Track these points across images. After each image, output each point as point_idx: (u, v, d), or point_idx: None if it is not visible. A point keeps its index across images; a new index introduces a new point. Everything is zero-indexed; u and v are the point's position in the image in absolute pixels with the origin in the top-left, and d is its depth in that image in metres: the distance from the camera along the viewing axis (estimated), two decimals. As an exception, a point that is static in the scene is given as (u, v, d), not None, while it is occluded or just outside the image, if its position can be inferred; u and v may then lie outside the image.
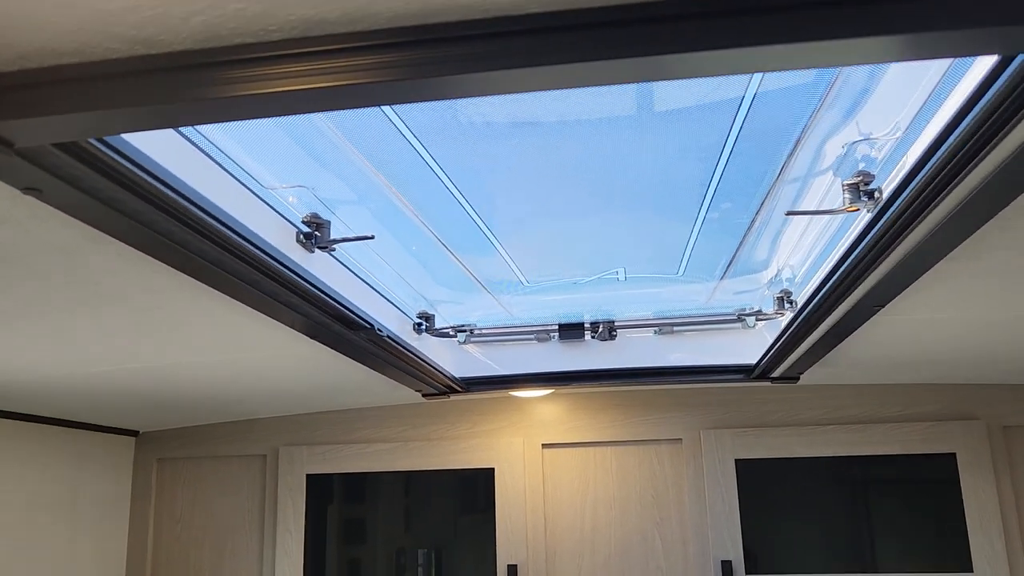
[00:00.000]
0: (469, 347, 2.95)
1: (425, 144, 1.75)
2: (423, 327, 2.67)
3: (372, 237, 1.78)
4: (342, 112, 1.52)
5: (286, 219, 1.73)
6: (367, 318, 1.82)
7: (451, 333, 2.93)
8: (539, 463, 3.31)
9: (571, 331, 2.88)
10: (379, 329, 1.85)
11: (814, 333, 1.99)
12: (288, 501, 3.36)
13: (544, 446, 3.33)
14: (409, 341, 2.56)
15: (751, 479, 3.17)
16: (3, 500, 2.78)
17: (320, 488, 3.39)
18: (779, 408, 3.20)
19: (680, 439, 3.26)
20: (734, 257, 2.43)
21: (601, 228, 2.41)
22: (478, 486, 3.34)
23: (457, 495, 3.41)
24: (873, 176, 1.50)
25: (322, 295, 1.67)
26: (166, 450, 3.52)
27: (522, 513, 3.25)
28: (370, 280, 2.34)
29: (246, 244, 1.43)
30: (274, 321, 1.84)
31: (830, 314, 1.81)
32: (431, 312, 2.71)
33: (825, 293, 1.70)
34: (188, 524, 3.46)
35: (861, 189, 1.47)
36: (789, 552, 3.11)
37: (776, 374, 2.71)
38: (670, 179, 2.05)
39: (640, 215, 2.30)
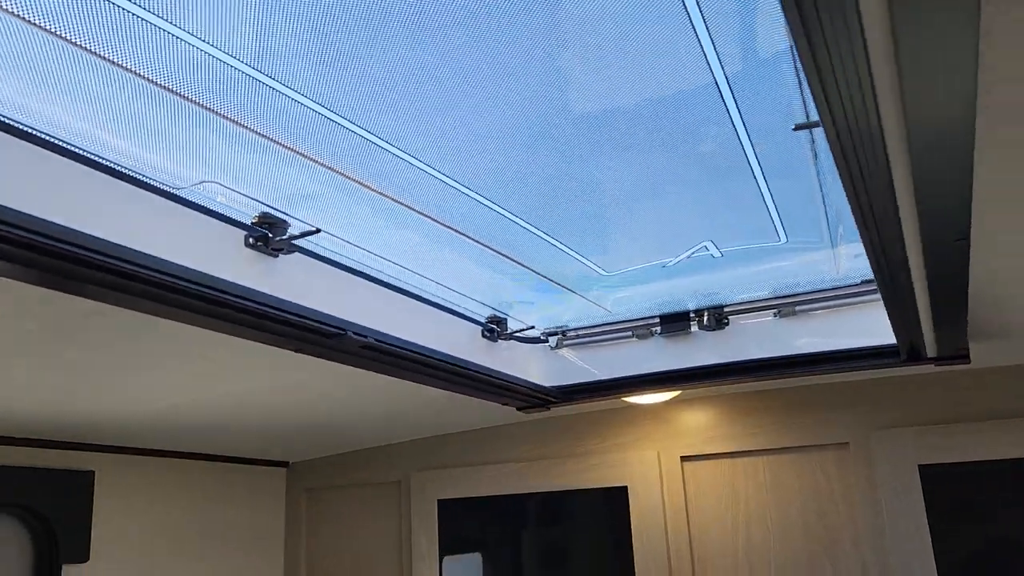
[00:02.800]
0: (564, 351, 2.63)
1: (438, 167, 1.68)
2: (495, 333, 2.41)
3: (319, 231, 1.57)
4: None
5: (229, 220, 1.57)
6: (335, 324, 1.61)
7: (542, 337, 2.63)
8: (679, 478, 2.88)
9: (674, 323, 2.46)
10: (354, 333, 1.63)
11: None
12: (420, 528, 3.23)
13: (684, 459, 2.89)
14: (477, 350, 2.32)
15: (942, 489, 2.51)
16: (168, 533, 2.92)
17: (452, 513, 3.22)
18: (975, 398, 2.52)
19: (847, 443, 2.68)
20: (827, 208, 1.92)
21: (659, 203, 2.04)
22: (613, 506, 2.98)
23: (591, 515, 3.07)
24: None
25: (264, 307, 1.49)
26: (313, 480, 3.54)
27: (662, 536, 2.83)
28: (419, 293, 2.17)
29: (159, 276, 1.29)
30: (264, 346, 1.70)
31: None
32: (502, 316, 2.44)
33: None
34: (336, 552, 3.44)
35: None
36: (1002, 582, 2.41)
37: (932, 353, 2.10)
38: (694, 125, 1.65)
39: (689, 176, 1.90)
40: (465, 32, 1.36)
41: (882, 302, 1.72)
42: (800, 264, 2.27)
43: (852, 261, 2.19)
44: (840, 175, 1.06)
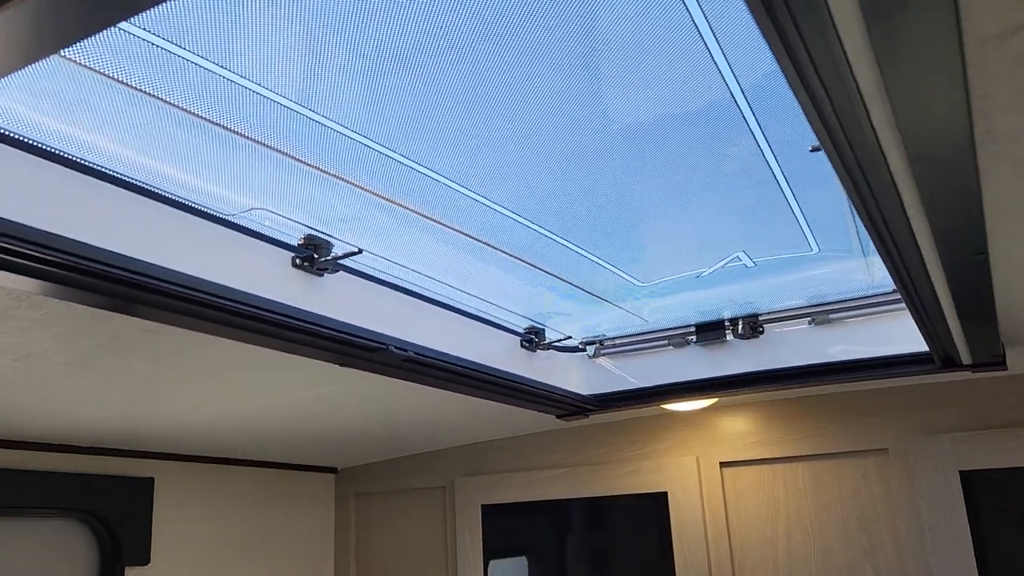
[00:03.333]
0: (602, 360, 2.69)
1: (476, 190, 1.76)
2: (534, 343, 2.47)
3: (360, 251, 1.66)
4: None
5: (276, 243, 1.67)
6: (377, 338, 1.70)
7: (579, 347, 2.69)
8: (718, 484, 2.91)
9: (710, 331, 2.50)
10: (395, 347, 1.72)
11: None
12: (465, 532, 3.31)
13: (723, 465, 2.92)
14: (516, 360, 2.39)
15: (984, 495, 2.51)
16: (223, 537, 3.04)
17: (496, 517, 3.29)
18: (1015, 403, 2.51)
19: (886, 449, 2.68)
20: (856, 217, 1.95)
21: (691, 215, 2.09)
22: (653, 511, 3.02)
23: (632, 521, 3.11)
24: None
25: (309, 324, 1.58)
26: (362, 485, 3.65)
27: (702, 542, 2.87)
28: (458, 306, 2.25)
29: (218, 300, 1.39)
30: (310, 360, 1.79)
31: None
32: (540, 326, 2.51)
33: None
34: (384, 556, 3.54)
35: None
36: (1046, 589, 2.40)
37: (967, 360, 2.11)
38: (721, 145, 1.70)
39: (719, 189, 1.94)
40: (495, 61, 1.44)
41: (909, 312, 1.75)
42: (833, 273, 2.30)
43: (884, 270, 2.21)
44: (851, 199, 1.11)
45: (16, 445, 2.39)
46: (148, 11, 1.09)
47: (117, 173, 1.35)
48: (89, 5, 0.65)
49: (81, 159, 1.30)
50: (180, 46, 1.17)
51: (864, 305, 2.30)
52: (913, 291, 1.44)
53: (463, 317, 2.25)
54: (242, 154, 1.49)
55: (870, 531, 2.66)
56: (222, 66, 1.23)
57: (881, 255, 1.31)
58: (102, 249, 1.22)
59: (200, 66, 1.21)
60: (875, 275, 2.26)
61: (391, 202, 1.73)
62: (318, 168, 1.55)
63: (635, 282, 2.42)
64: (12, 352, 1.60)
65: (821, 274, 2.33)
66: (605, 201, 2.04)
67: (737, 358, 2.48)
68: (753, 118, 1.56)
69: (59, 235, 1.18)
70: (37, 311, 1.41)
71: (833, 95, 0.85)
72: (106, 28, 0.71)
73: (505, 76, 1.49)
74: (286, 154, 1.49)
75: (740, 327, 2.43)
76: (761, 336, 2.43)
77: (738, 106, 1.53)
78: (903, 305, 2.18)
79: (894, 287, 2.16)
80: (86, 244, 1.21)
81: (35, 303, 1.37)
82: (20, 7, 0.63)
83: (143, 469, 2.80)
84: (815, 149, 1.43)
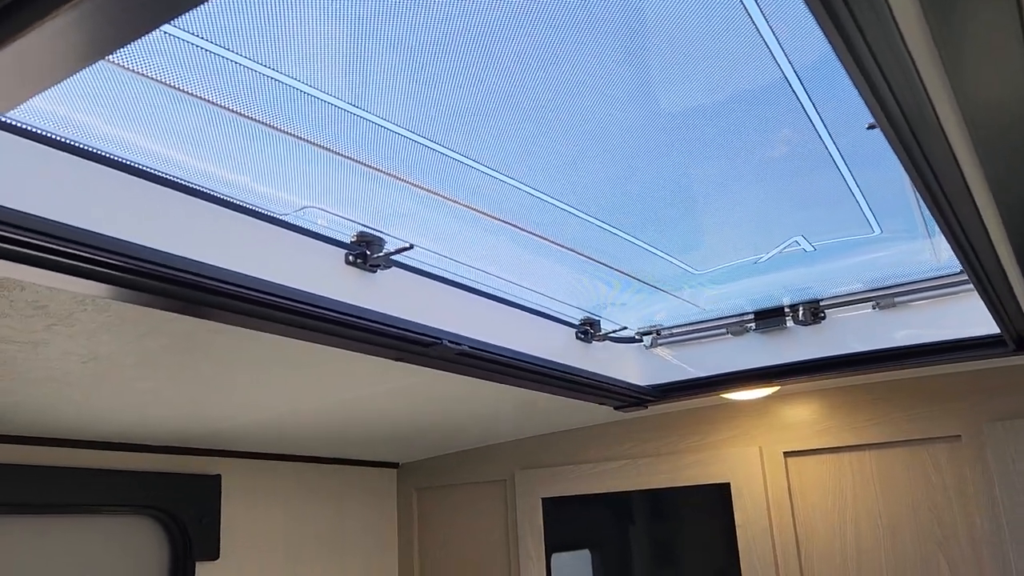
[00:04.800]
0: (659, 350, 2.66)
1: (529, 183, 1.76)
2: (590, 335, 2.46)
3: (412, 247, 1.67)
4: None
5: (329, 241, 1.69)
6: (431, 333, 1.71)
7: (636, 337, 2.67)
8: (782, 475, 2.85)
9: (769, 318, 2.45)
10: (449, 342, 1.72)
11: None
12: (527, 525, 3.31)
13: (787, 454, 2.87)
14: (572, 352, 2.38)
15: (1064, 482, 2.41)
16: (289, 532, 3.11)
17: (557, 510, 3.29)
18: (1097, 385, 2.40)
19: (958, 436, 2.59)
20: (918, 195, 1.88)
21: (747, 200, 2.05)
22: (716, 502, 2.98)
23: (694, 512, 3.08)
24: None
25: (364, 321, 1.60)
26: (423, 479, 3.68)
27: (767, 532, 2.82)
28: (512, 299, 2.25)
29: (273, 299, 1.42)
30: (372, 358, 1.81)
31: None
32: (595, 318, 2.49)
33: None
34: (447, 549, 3.57)
35: None
36: None
37: (1039, 341, 2.02)
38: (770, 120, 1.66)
39: (775, 172, 1.90)
40: (543, 51, 1.43)
41: (977, 292, 1.68)
42: (896, 255, 2.23)
43: (951, 250, 2.13)
44: (912, 179, 1.07)
45: (90, 445, 2.48)
46: (195, 14, 1.11)
47: (174, 177, 1.39)
48: (133, 8, 0.66)
49: (139, 164, 1.33)
50: (229, 49, 1.19)
51: (931, 287, 2.22)
52: (981, 271, 1.39)
53: (517, 310, 2.25)
54: (293, 153, 1.51)
55: (943, 521, 2.58)
56: (270, 67, 1.24)
57: (945, 235, 1.27)
58: (164, 252, 1.26)
59: (248, 68, 1.23)
60: (941, 255, 2.19)
61: (441, 197, 1.73)
62: (369, 165, 1.56)
63: (691, 270, 2.38)
64: (80, 354, 1.66)
65: (884, 256, 2.26)
66: (658, 189, 2.01)
67: (798, 345, 2.43)
68: (807, 98, 1.52)
69: (123, 240, 1.21)
70: (102, 314, 1.45)
71: (887, 72, 0.82)
72: (151, 31, 0.73)
73: (554, 66, 1.48)
74: (336, 152, 1.51)
75: (801, 313, 2.37)
76: (823, 322, 2.37)
77: (791, 86, 1.49)
78: (969, 286, 2.10)
79: (961, 268, 2.09)
80: (149, 248, 1.24)
81: (100, 306, 1.41)
82: (68, 14, 0.65)
83: (210, 467, 2.87)
84: (871, 127, 1.39)
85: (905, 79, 0.80)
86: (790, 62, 1.42)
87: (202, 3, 0.69)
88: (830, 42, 0.76)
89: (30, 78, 0.74)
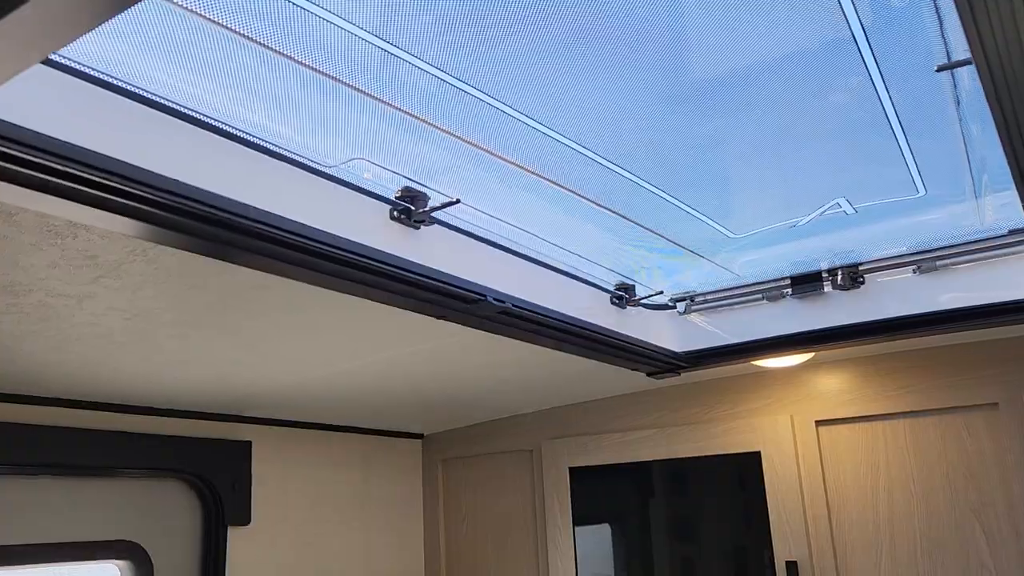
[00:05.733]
0: (693, 317, 2.63)
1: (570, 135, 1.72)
2: (624, 300, 2.44)
3: (458, 201, 1.65)
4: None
5: (374, 196, 1.66)
6: (476, 290, 1.69)
7: (670, 303, 2.64)
8: (814, 443, 2.83)
9: (806, 283, 2.42)
10: (493, 299, 1.71)
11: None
12: (554, 495, 3.30)
13: (818, 423, 2.84)
14: (607, 316, 2.36)
15: (1105, 449, 2.38)
16: (317, 500, 3.12)
17: (585, 480, 3.28)
18: None
19: (996, 403, 2.56)
20: (970, 156, 1.85)
21: (788, 160, 2.02)
22: (746, 472, 2.96)
23: (724, 481, 3.06)
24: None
25: (411, 274, 1.58)
26: (448, 450, 3.68)
27: (798, 502, 2.80)
28: (549, 261, 2.23)
29: (321, 247, 1.41)
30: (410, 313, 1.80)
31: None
32: (630, 282, 2.47)
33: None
34: (472, 520, 3.57)
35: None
36: None
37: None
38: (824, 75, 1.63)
39: (820, 131, 1.86)
40: (591, 2, 1.40)
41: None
42: (941, 217, 2.19)
43: (999, 211, 2.10)
44: (994, 118, 1.04)
45: (124, 409, 2.48)
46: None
47: (222, 123, 1.37)
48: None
49: (192, 110, 1.31)
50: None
51: (975, 250, 2.19)
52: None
53: (553, 272, 2.23)
54: (340, 103, 1.48)
55: (979, 488, 2.55)
56: (319, 4, 1.22)
57: (1016, 182, 1.23)
58: (211, 192, 1.24)
59: (298, 5, 1.20)
60: (987, 217, 2.15)
61: (484, 150, 1.71)
62: (415, 116, 1.54)
63: (728, 233, 2.35)
64: (123, 309, 1.65)
65: (927, 220, 2.22)
66: (698, 147, 1.98)
67: (836, 310, 2.40)
68: (868, 48, 1.48)
69: (171, 178, 1.19)
70: (150, 265, 1.44)
71: (992, 12, 0.79)
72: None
73: (602, 17, 1.45)
74: (381, 100, 1.48)
75: (839, 277, 2.34)
76: (862, 287, 2.34)
77: (853, 35, 1.45)
78: (1019, 248, 2.07)
79: (1009, 230, 2.06)
80: (196, 187, 1.22)
81: (149, 256, 1.40)
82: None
83: (242, 433, 2.87)
84: (947, 67, 1.35)
85: (1011, 12, 0.77)
86: (856, 10, 1.38)
87: None
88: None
89: (85, 9, 0.72)
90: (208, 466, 2.68)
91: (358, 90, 1.44)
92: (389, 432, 3.59)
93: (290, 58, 1.32)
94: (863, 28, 1.45)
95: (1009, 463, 2.51)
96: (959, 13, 0.86)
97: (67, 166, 1.04)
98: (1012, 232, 2.08)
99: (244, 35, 1.24)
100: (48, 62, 1.11)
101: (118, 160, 1.10)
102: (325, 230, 1.43)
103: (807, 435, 2.84)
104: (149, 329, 1.78)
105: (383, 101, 1.48)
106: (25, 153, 0.99)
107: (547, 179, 1.91)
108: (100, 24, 0.77)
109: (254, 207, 1.31)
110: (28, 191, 1.06)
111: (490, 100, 1.57)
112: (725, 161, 2.07)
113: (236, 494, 2.77)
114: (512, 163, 1.80)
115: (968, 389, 2.60)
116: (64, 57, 1.14)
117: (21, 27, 0.70)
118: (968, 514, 2.56)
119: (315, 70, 1.36)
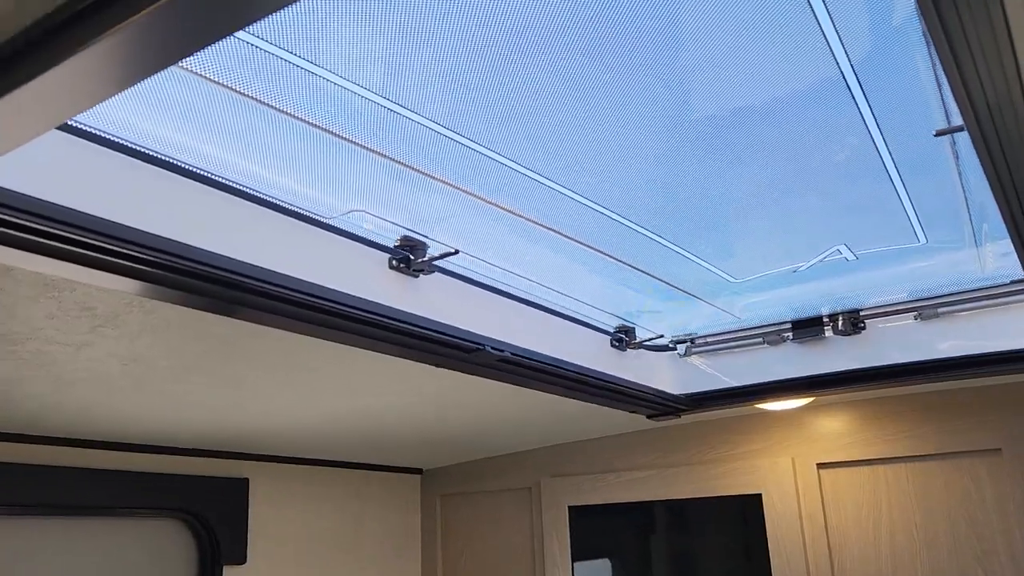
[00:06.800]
0: (694, 359, 2.62)
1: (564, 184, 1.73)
2: (624, 342, 2.43)
3: (457, 252, 1.65)
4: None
5: (373, 245, 1.67)
6: (474, 339, 1.68)
7: (670, 345, 2.64)
8: (816, 486, 2.81)
9: (807, 328, 2.41)
10: (491, 348, 1.70)
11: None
12: (553, 534, 3.28)
13: (820, 466, 2.82)
14: (607, 360, 2.36)
15: (1109, 499, 2.35)
16: (315, 537, 3.09)
17: (584, 519, 3.25)
18: None
19: (999, 449, 2.54)
20: (970, 205, 1.85)
21: (788, 207, 2.02)
22: (747, 514, 2.94)
23: (725, 523, 3.03)
24: None
25: (407, 325, 1.58)
26: (447, 486, 3.66)
27: (799, 545, 2.77)
28: (549, 306, 2.23)
29: (317, 301, 1.41)
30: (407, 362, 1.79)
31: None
32: (630, 325, 2.46)
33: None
34: (470, 557, 3.54)
35: None
36: None
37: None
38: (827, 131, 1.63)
39: (820, 178, 1.87)
40: (586, 53, 1.40)
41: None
42: (941, 265, 2.19)
43: (1000, 260, 2.09)
44: (988, 179, 1.04)
45: (118, 447, 2.47)
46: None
47: (222, 178, 1.37)
48: (208, 15, 0.64)
49: (188, 165, 1.32)
50: (279, 46, 1.18)
51: (975, 298, 2.18)
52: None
53: (553, 316, 2.22)
54: (339, 156, 1.49)
55: (981, 536, 2.53)
56: (321, 65, 1.23)
57: (1013, 239, 1.23)
58: (211, 252, 1.24)
59: (296, 65, 1.21)
60: (988, 266, 2.15)
61: (482, 200, 1.71)
62: (413, 168, 1.54)
63: (728, 278, 2.35)
64: (121, 356, 1.65)
65: (928, 266, 2.22)
66: (698, 195, 1.98)
67: (837, 355, 2.39)
68: (864, 101, 1.49)
69: (168, 238, 1.19)
70: (148, 316, 1.43)
71: (982, 65, 0.78)
72: (227, 37, 0.71)
73: (595, 70, 1.46)
74: (381, 154, 1.49)
75: (840, 323, 2.33)
76: (862, 332, 2.33)
77: (849, 89, 1.46)
78: (1020, 297, 2.06)
79: (1011, 280, 2.05)
80: (195, 247, 1.23)
81: (147, 308, 1.40)
82: (142, 20, 0.63)
83: (238, 470, 2.85)
84: (942, 133, 1.35)
85: (1003, 74, 0.77)
86: (850, 62, 1.38)
87: (273, 13, 0.67)
88: (926, 24, 0.72)
89: (104, 81, 0.72)
90: (204, 504, 2.66)
91: (357, 144, 1.45)
92: (387, 467, 3.58)
93: (289, 115, 1.32)
94: (858, 80, 1.46)
95: (1011, 510, 2.48)
96: (948, 79, 0.86)
97: (62, 229, 1.04)
98: (1014, 282, 2.07)
99: (240, 92, 1.24)
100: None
101: (113, 222, 1.11)
102: (323, 284, 1.43)
103: (809, 478, 2.81)
104: (147, 374, 1.78)
105: (382, 154, 1.49)
106: (17, 217, 0.99)
107: (546, 227, 1.91)
108: (119, 92, 0.76)
109: (253, 264, 1.31)
110: (22, 253, 1.06)
111: (489, 152, 1.58)
112: (725, 207, 2.07)
113: (232, 532, 2.75)
114: (511, 212, 1.81)
115: (970, 434, 2.58)
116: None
117: (40, 94, 0.69)
118: (972, 563, 2.53)
119: (314, 125, 1.37)
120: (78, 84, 0.67)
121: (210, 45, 0.68)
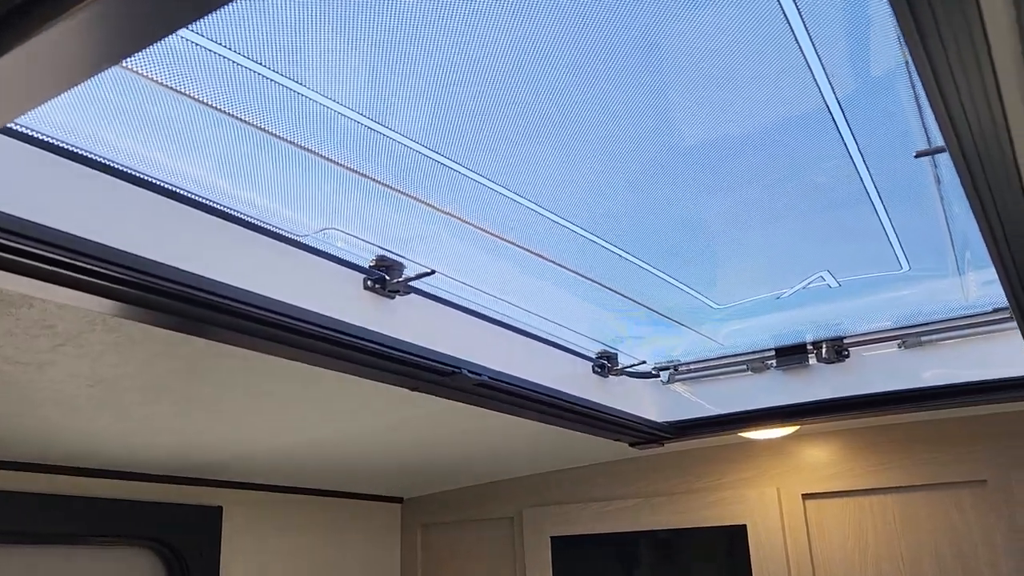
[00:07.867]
0: (677, 386, 2.59)
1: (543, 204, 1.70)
2: (606, 369, 2.39)
3: (433, 272, 1.62)
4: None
5: (347, 264, 1.63)
6: (450, 363, 1.64)
7: (653, 372, 2.60)
8: (801, 517, 2.77)
9: (791, 355, 2.38)
10: (469, 371, 1.66)
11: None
12: (534, 565, 3.21)
13: (805, 496, 2.78)
14: (588, 386, 2.32)
15: (1096, 531, 2.32)
16: (290, 566, 3.01)
17: (566, 550, 3.19)
18: None
19: (984, 480, 2.51)
20: (952, 233, 1.83)
21: (771, 233, 2.01)
22: (732, 545, 2.89)
23: (709, 554, 2.98)
24: None
25: (382, 348, 1.54)
26: (428, 515, 3.59)
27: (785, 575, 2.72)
28: (530, 330, 2.19)
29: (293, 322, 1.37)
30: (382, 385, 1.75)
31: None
32: (612, 351, 2.43)
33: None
34: (450, 589, 3.46)
35: None
36: None
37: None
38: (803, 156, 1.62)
39: (803, 205, 1.85)
40: (570, 76, 1.39)
41: (1020, 332, 1.63)
42: (925, 292, 2.17)
43: (982, 288, 2.08)
44: (971, 205, 1.02)
45: (88, 473, 2.40)
46: (215, 19, 1.06)
47: (190, 193, 1.34)
48: (150, 9, 0.61)
49: (154, 178, 1.28)
50: (251, 58, 1.15)
51: (959, 326, 2.16)
52: (1028, 306, 1.33)
53: (534, 341, 2.19)
54: (313, 173, 1.46)
55: (968, 568, 2.49)
56: (294, 79, 1.20)
57: (996, 266, 1.21)
58: (177, 269, 1.20)
59: (271, 80, 1.18)
60: (971, 294, 2.13)
61: (461, 220, 1.68)
62: (390, 187, 1.51)
63: (711, 304, 2.33)
64: (86, 377, 1.60)
65: (911, 294, 2.20)
66: (680, 220, 1.96)
67: (821, 383, 2.36)
68: (847, 128, 1.47)
69: (133, 254, 1.16)
70: (111, 334, 1.39)
71: (965, 90, 0.76)
72: (170, 33, 0.68)
73: (582, 92, 1.44)
74: (357, 172, 1.46)
75: (824, 351, 2.31)
76: (846, 360, 2.31)
77: (831, 115, 1.44)
78: (1003, 326, 2.05)
79: (993, 308, 2.04)
80: (162, 264, 1.19)
81: (110, 326, 1.35)
82: (79, 16, 0.60)
83: (212, 498, 2.78)
84: (924, 153, 1.34)
85: (985, 100, 0.75)
86: (833, 90, 1.37)
87: (221, 7, 0.64)
88: (910, 52, 0.71)
89: (43, 81, 0.69)
90: (175, 533, 2.59)
91: (332, 161, 1.42)
92: (367, 496, 3.51)
93: (261, 129, 1.29)
94: (840, 107, 1.44)
95: (997, 542, 2.45)
96: (929, 100, 0.84)
97: (19, 242, 1.00)
98: (997, 310, 2.05)
99: (212, 105, 1.21)
100: None
101: (75, 236, 1.07)
102: (295, 303, 1.40)
103: (794, 508, 2.77)
104: (113, 396, 1.73)
105: (357, 172, 1.46)
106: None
107: (527, 249, 1.88)
108: (61, 93, 0.74)
109: (221, 282, 1.27)
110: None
111: (467, 172, 1.55)
112: (708, 233, 2.05)
113: (204, 561, 2.68)
114: (491, 233, 1.78)
115: (956, 465, 2.55)
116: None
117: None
118: (958, 595, 2.49)
119: (288, 141, 1.34)
120: (14, 84, 0.64)
121: (153, 43, 0.65)
